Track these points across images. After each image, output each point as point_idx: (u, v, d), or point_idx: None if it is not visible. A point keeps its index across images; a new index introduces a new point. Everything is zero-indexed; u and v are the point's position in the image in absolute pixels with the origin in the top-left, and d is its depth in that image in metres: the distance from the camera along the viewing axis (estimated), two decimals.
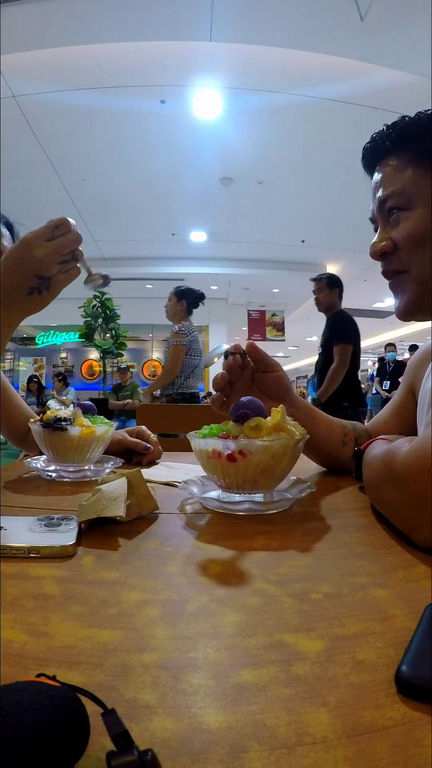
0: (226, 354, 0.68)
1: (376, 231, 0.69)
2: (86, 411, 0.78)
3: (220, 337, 10.01)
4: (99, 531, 0.46)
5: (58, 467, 0.75)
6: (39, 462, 0.78)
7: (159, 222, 6.68)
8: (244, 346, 0.68)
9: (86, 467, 0.76)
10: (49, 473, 0.74)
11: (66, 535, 0.42)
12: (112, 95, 4.07)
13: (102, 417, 0.79)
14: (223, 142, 4.79)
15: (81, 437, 0.72)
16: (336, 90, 3.90)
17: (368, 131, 0.69)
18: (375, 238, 0.67)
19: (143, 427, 0.91)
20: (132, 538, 0.45)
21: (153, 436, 0.89)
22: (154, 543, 0.45)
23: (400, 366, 6.72)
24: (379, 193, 0.66)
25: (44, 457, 0.78)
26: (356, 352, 2.88)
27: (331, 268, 8.20)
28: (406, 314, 0.67)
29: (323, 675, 0.24)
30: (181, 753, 0.19)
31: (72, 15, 3.23)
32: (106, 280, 0.73)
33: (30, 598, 0.32)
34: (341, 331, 2.87)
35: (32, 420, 0.75)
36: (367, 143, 0.69)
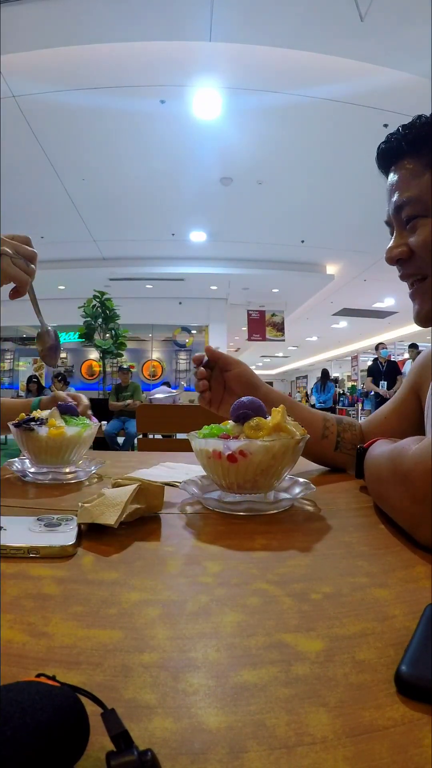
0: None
1: (391, 234, 0.68)
2: (64, 411, 0.75)
3: (220, 337, 10.01)
4: (99, 531, 0.46)
5: (35, 469, 0.72)
6: (18, 464, 0.75)
7: (159, 222, 6.68)
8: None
9: (66, 469, 0.73)
10: (27, 474, 0.71)
11: (66, 536, 0.42)
12: (112, 95, 4.07)
13: (82, 418, 0.77)
14: (223, 142, 4.79)
15: (50, 438, 0.69)
16: (336, 90, 3.90)
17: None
18: (391, 243, 0.66)
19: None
20: (132, 538, 0.45)
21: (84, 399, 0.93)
22: (154, 543, 0.45)
23: (394, 364, 6.68)
24: (395, 198, 0.65)
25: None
26: None
27: (331, 268, 8.21)
28: (426, 321, 0.67)
29: (323, 675, 0.24)
30: (181, 753, 0.19)
31: (72, 15, 3.22)
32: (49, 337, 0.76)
33: (30, 598, 0.32)
34: None
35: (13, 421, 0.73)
36: (382, 144, 0.67)
